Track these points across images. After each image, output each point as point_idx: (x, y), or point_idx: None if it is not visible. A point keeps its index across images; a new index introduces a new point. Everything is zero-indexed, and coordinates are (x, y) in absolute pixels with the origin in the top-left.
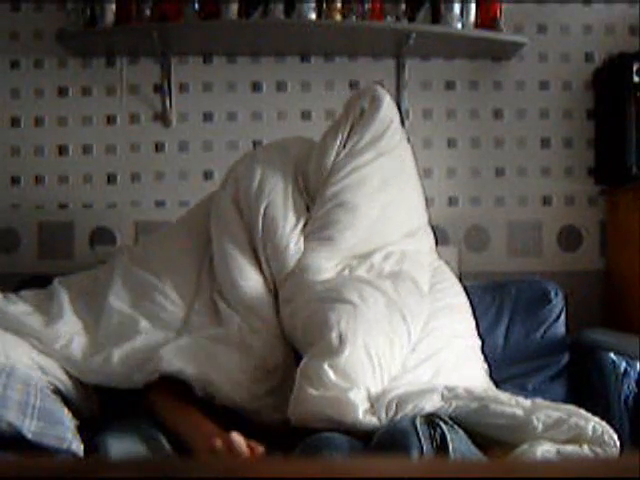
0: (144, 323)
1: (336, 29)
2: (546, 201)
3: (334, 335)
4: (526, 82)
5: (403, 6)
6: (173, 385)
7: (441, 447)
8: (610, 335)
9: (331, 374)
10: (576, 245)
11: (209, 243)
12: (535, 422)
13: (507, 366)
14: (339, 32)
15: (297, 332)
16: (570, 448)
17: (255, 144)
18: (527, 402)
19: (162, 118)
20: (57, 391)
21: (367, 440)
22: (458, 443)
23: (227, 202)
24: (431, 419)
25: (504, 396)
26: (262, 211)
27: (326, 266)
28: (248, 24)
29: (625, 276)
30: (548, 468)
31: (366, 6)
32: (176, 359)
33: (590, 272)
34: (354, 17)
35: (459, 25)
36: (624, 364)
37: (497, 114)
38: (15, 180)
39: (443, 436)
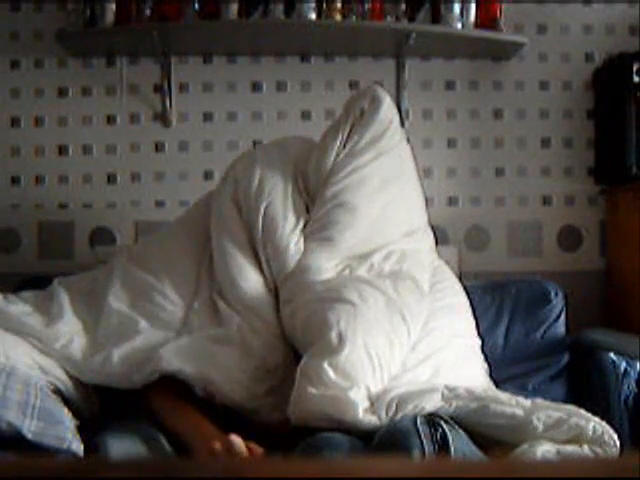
0: (143, 323)
1: (336, 29)
2: (546, 201)
3: (334, 334)
4: (526, 82)
5: (403, 6)
6: (173, 385)
7: (442, 447)
8: (610, 335)
9: (331, 373)
10: (576, 245)
11: (208, 243)
12: (535, 422)
13: (507, 366)
14: (339, 32)
15: (297, 332)
16: (570, 448)
17: (255, 144)
18: (527, 402)
19: (162, 118)
20: (57, 391)
21: (367, 440)
22: (459, 443)
23: (226, 201)
24: (432, 419)
25: (504, 396)
26: (262, 211)
27: (326, 266)
28: (248, 24)
29: (625, 276)
30: (548, 468)
31: (366, 6)
32: (176, 359)
33: (590, 272)
34: (354, 17)
35: (459, 25)
36: (624, 364)
37: (497, 114)
38: (15, 180)
39: (444, 436)
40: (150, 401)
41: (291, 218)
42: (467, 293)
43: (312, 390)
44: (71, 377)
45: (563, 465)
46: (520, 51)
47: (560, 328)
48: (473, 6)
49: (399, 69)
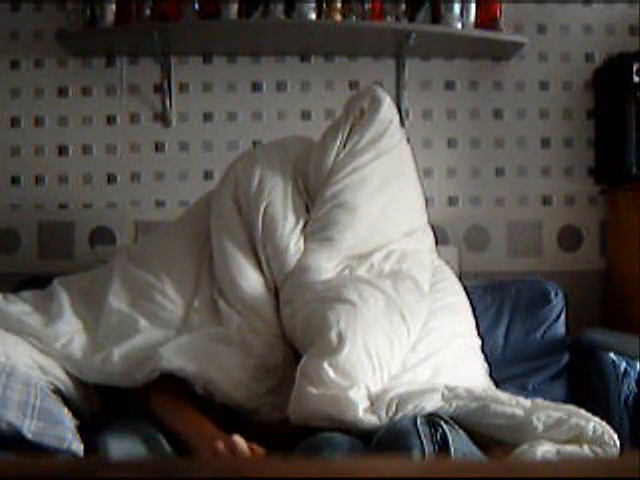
0: (143, 322)
1: (336, 29)
2: (546, 201)
3: (333, 334)
4: (526, 82)
5: (403, 6)
6: (173, 384)
7: (442, 447)
8: (610, 335)
9: (331, 372)
10: (576, 245)
11: (208, 242)
12: (535, 422)
13: (507, 366)
14: (339, 32)
15: (297, 332)
16: (570, 448)
17: (255, 144)
18: (527, 402)
19: (162, 118)
20: (57, 391)
21: (367, 440)
22: (459, 443)
23: (227, 201)
24: (432, 419)
25: (504, 396)
26: (262, 211)
27: (326, 266)
28: (248, 24)
29: (625, 276)
30: (548, 468)
31: (366, 6)
32: (176, 357)
33: (590, 272)
34: (354, 17)
35: (459, 25)
36: (624, 364)
37: (497, 114)
38: (15, 180)
39: (444, 436)
40: (150, 400)
41: (291, 218)
42: (467, 293)
43: (312, 390)
44: (71, 377)
45: (563, 465)
46: (520, 51)
47: (560, 328)
48: (473, 6)
49: (399, 69)
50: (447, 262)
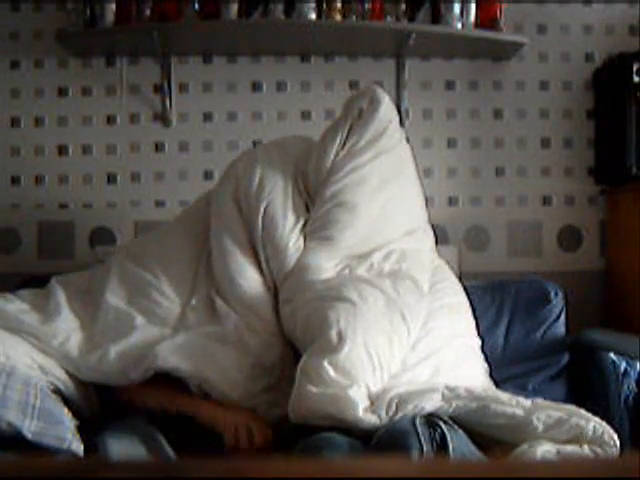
0: (140, 319)
1: (336, 29)
2: (546, 201)
3: (334, 332)
4: (526, 82)
5: (403, 6)
6: (168, 382)
7: (441, 447)
8: (610, 335)
9: (331, 371)
10: (576, 245)
11: (207, 241)
12: (536, 422)
13: (507, 366)
14: (339, 32)
15: (296, 331)
16: (570, 448)
17: (255, 144)
18: (527, 402)
19: (162, 118)
20: (57, 391)
21: (366, 440)
22: (458, 443)
23: (227, 200)
24: (431, 419)
25: (504, 396)
26: (262, 210)
27: (326, 266)
28: (248, 24)
29: (625, 276)
30: (548, 468)
31: (366, 6)
32: (172, 356)
33: (590, 272)
34: (354, 17)
35: (459, 25)
36: (624, 364)
37: (497, 114)
38: (15, 180)
39: (443, 436)
40: (145, 395)
41: (291, 217)
42: (467, 293)
43: (312, 388)
44: (71, 376)
45: (563, 465)
46: (520, 51)
47: (560, 328)
48: (473, 6)
49: (399, 69)
50: (447, 262)
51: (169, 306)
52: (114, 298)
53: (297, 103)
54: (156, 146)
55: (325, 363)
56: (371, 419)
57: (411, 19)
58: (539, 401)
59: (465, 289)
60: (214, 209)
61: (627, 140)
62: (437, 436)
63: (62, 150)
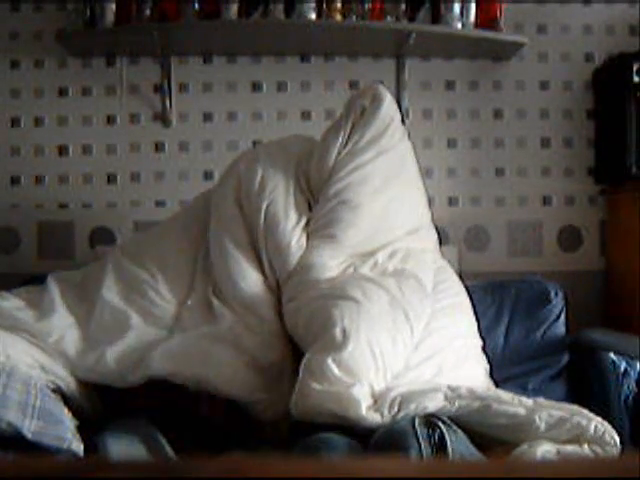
0: (135, 318)
1: (336, 29)
2: (546, 201)
3: (338, 330)
4: (526, 82)
5: (403, 6)
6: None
7: (440, 448)
8: (610, 335)
9: (334, 369)
10: (576, 245)
11: (204, 241)
12: (538, 421)
13: (507, 366)
14: (339, 32)
15: (299, 329)
16: (570, 448)
17: (255, 144)
18: (529, 401)
19: (162, 118)
20: (58, 390)
21: (365, 440)
22: (457, 444)
23: (228, 200)
24: (430, 420)
25: (507, 396)
26: (263, 210)
27: (330, 264)
28: (248, 24)
29: (625, 276)
30: (548, 468)
31: (366, 6)
32: (167, 363)
33: (590, 272)
34: (354, 17)
35: (459, 25)
36: (624, 364)
37: (497, 114)
38: (15, 180)
39: (442, 437)
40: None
41: (293, 216)
42: (467, 293)
43: (315, 385)
44: (72, 375)
45: (563, 465)
46: (520, 51)
47: (560, 328)
48: (473, 6)
49: (399, 69)
50: (447, 262)
51: (165, 306)
52: (110, 294)
53: (297, 103)
54: (156, 146)
55: (329, 360)
56: (374, 418)
57: (411, 19)
58: (541, 400)
59: (465, 289)
60: (214, 209)
61: (627, 140)
62: (436, 437)
63: (62, 150)
